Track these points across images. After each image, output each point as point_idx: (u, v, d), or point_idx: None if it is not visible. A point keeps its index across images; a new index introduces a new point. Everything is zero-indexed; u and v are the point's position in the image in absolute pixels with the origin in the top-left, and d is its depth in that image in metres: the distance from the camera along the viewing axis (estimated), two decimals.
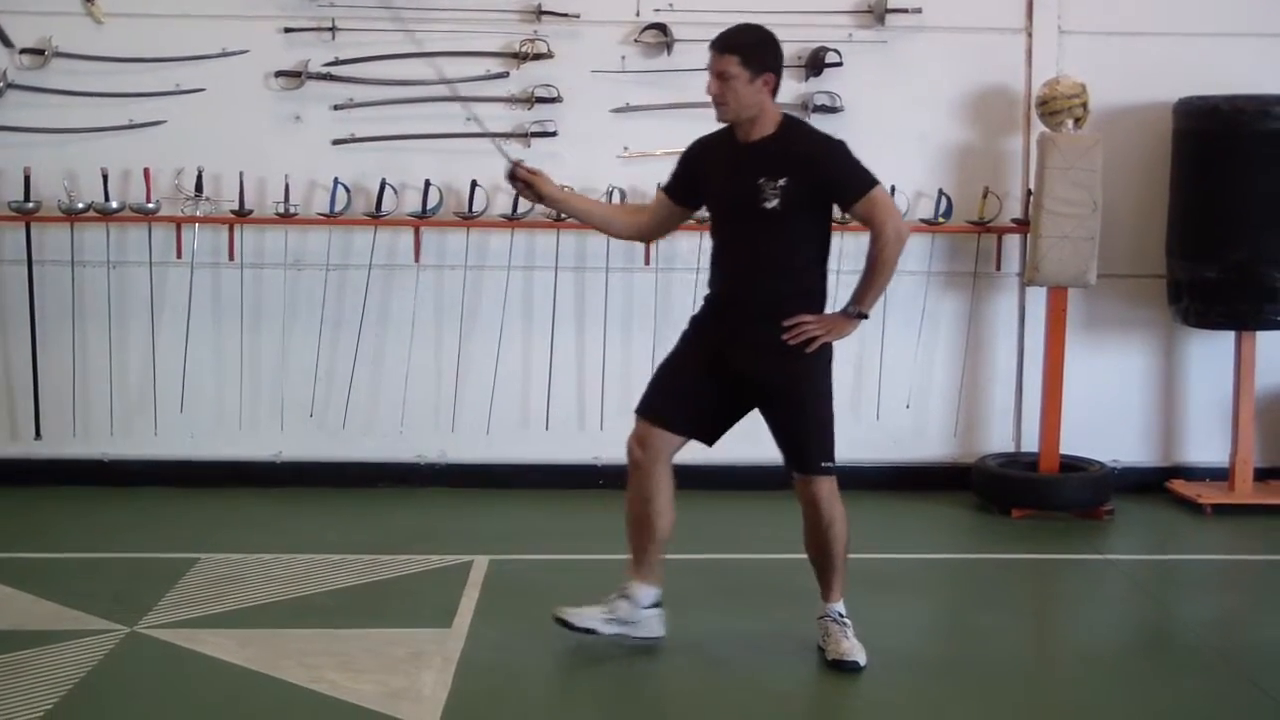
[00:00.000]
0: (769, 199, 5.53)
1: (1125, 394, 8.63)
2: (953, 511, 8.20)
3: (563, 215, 7.36)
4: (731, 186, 5.66)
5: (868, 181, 5.60)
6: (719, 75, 5.60)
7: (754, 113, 5.60)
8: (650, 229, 6.20)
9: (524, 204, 8.03)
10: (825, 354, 5.69)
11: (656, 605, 5.88)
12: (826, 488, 5.72)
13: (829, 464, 5.71)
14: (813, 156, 5.60)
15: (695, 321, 5.89)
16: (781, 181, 5.52)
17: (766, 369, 5.65)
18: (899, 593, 6.81)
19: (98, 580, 6.68)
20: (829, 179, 5.60)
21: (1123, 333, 8.58)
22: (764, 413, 5.79)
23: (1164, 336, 8.59)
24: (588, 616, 5.83)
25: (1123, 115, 8.37)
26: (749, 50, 5.59)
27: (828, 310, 5.75)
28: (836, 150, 5.67)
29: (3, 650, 5.74)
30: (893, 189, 8.15)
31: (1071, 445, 8.23)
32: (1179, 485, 8.45)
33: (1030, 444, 8.42)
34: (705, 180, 5.81)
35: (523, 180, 5.92)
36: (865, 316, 5.72)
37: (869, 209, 5.59)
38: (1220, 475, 8.41)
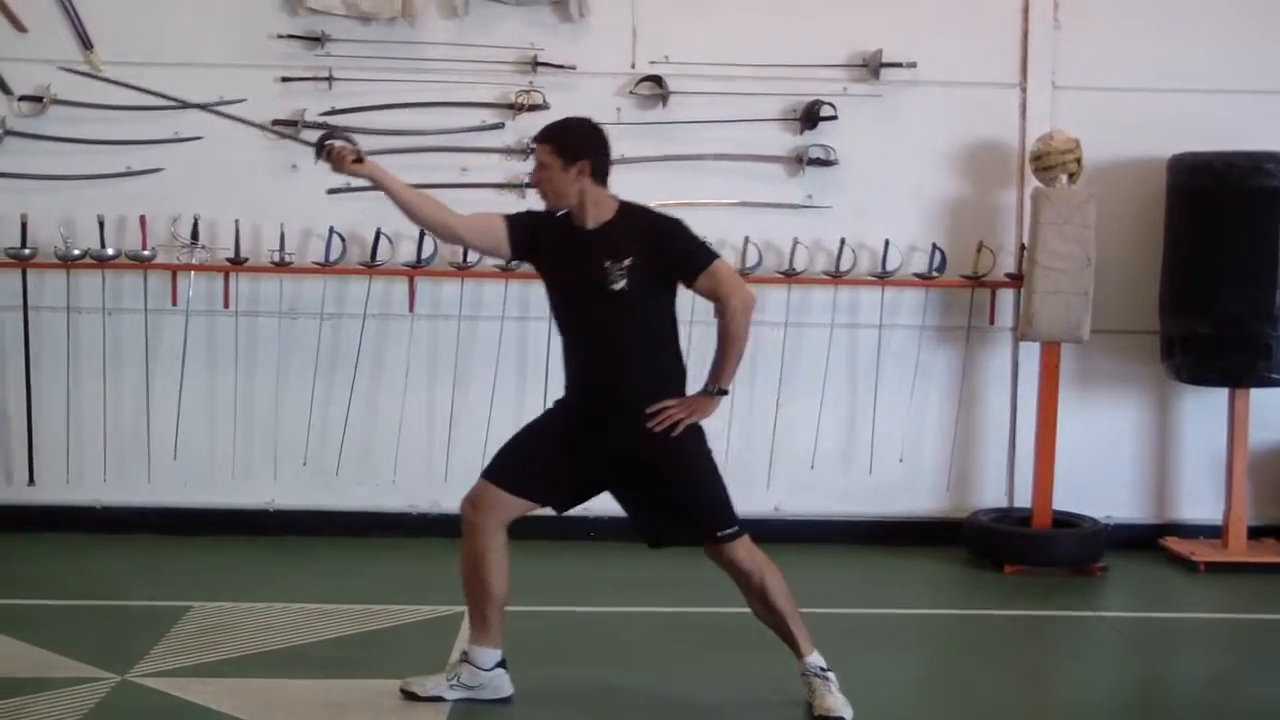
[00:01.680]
0: (616, 280, 5.58)
1: (1118, 450, 8.62)
2: (944, 566, 8.19)
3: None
4: (577, 272, 5.69)
5: (708, 257, 5.68)
6: (537, 165, 5.73)
7: (574, 199, 5.68)
8: (467, 238, 6.01)
9: None
10: (697, 432, 5.74)
11: (501, 665, 5.89)
12: (740, 549, 5.74)
13: (730, 529, 5.72)
14: (654, 235, 5.67)
15: (561, 406, 5.91)
16: (627, 261, 5.59)
17: (639, 453, 5.67)
18: (889, 648, 6.79)
19: (90, 628, 6.68)
20: (671, 256, 5.66)
21: (1116, 388, 8.59)
22: (636, 493, 5.80)
23: (1157, 392, 8.59)
24: (431, 686, 5.86)
25: (1117, 170, 8.40)
26: (560, 139, 5.70)
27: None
28: (676, 228, 5.74)
29: None
30: (887, 242, 8.24)
31: (1064, 501, 8.22)
32: (1172, 542, 8.43)
33: (1023, 499, 8.41)
34: (547, 258, 5.83)
35: (335, 152, 5.71)
36: (725, 393, 5.75)
37: (712, 283, 5.65)
38: (1214, 532, 8.40)
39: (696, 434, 5.73)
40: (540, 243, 5.80)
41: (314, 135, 6.02)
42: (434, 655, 6.27)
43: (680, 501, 5.73)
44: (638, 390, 5.65)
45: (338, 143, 5.78)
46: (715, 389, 5.71)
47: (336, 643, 6.59)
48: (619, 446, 5.68)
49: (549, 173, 5.67)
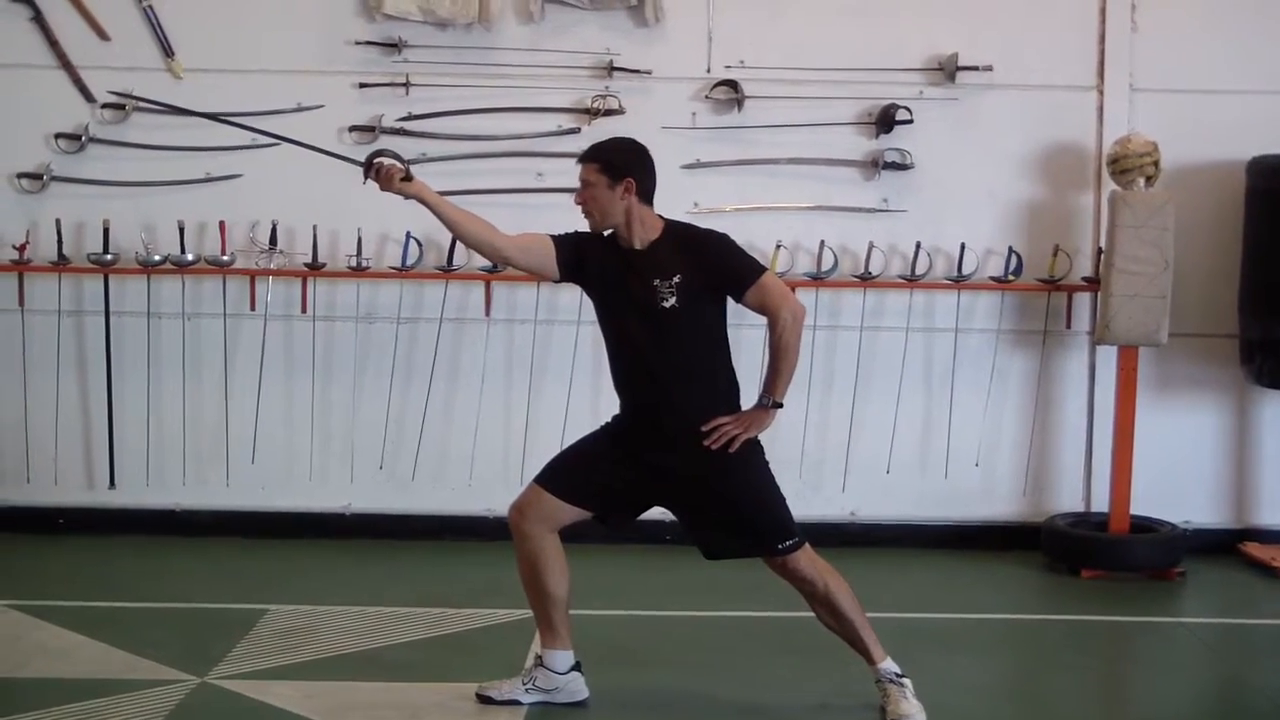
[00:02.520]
0: (665, 298, 5.60)
1: (1197, 454, 8.56)
2: (1021, 571, 8.15)
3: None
4: (626, 292, 5.71)
5: (756, 270, 5.68)
6: (582, 184, 5.73)
7: (619, 219, 5.69)
8: (514, 258, 5.91)
9: None
10: (755, 447, 5.73)
11: (575, 668, 5.90)
12: (802, 560, 5.73)
13: (790, 540, 5.71)
14: (701, 251, 5.67)
15: (617, 424, 5.92)
16: (675, 279, 5.60)
17: (696, 471, 5.66)
18: (965, 653, 6.77)
19: (169, 630, 6.75)
20: (719, 271, 5.66)
21: (1194, 392, 8.52)
22: (693, 508, 5.79)
23: (1236, 396, 8.52)
24: (508, 689, 5.89)
25: (1195, 173, 8.34)
26: (606, 158, 5.72)
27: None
28: (723, 243, 5.75)
29: (76, 699, 5.80)
30: (963, 246, 8.21)
31: (1142, 506, 8.16)
32: (1252, 548, 8.37)
33: (1100, 504, 8.36)
34: (595, 279, 5.83)
35: (384, 171, 5.81)
36: (780, 406, 5.72)
37: (760, 296, 5.64)
38: None
39: (754, 448, 5.73)
40: (588, 263, 5.80)
41: (361, 155, 6.03)
42: (510, 659, 6.31)
43: (740, 516, 5.73)
44: (691, 408, 5.65)
45: (386, 160, 5.84)
46: (770, 402, 5.69)
47: (412, 646, 6.63)
48: (676, 464, 5.68)
49: (594, 191, 5.69)
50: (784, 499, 5.78)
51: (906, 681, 5.76)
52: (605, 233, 5.79)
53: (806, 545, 5.75)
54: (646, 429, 5.75)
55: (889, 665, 5.78)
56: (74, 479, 8.50)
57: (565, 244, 5.81)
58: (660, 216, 5.76)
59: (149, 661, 6.27)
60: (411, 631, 6.81)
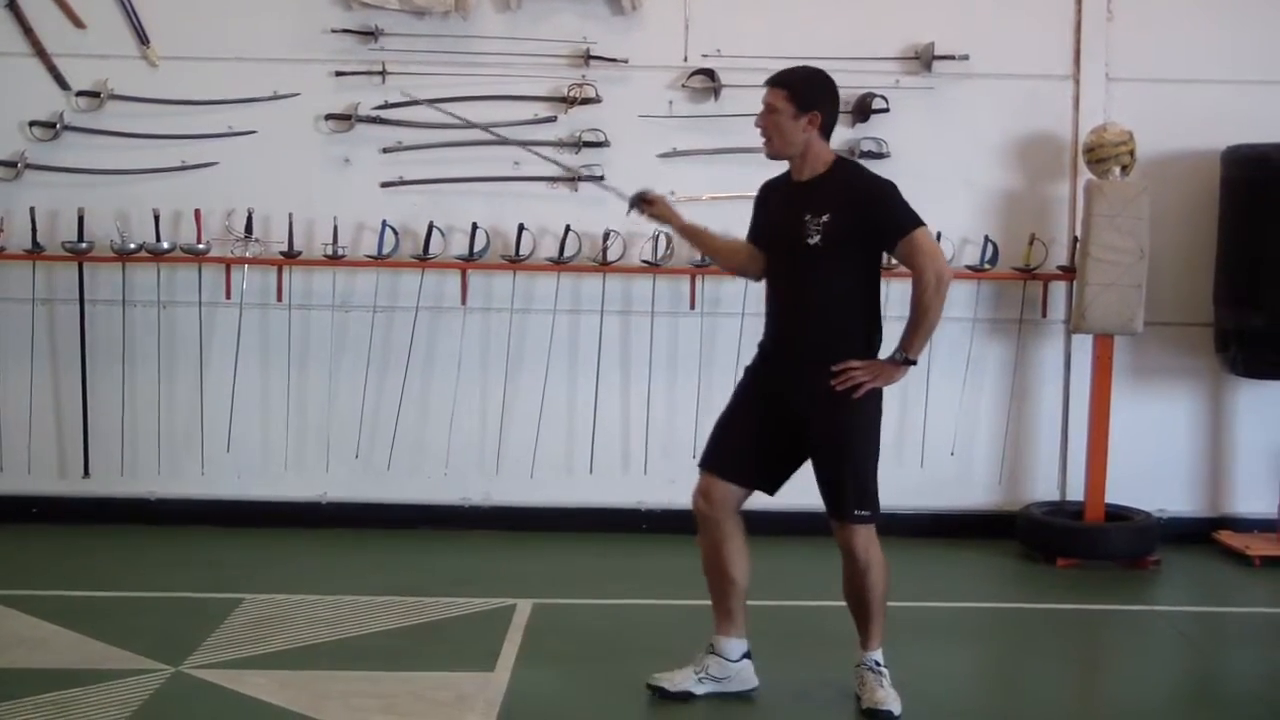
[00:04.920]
0: (811, 235, 5.56)
1: (1172, 443, 8.58)
2: (997, 560, 8.17)
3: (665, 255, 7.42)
4: (781, 223, 5.72)
5: (910, 223, 5.59)
6: (766, 108, 5.69)
7: (797, 149, 5.66)
8: (755, 272, 6.03)
9: (570, 248, 8.09)
10: (874, 402, 5.68)
11: (746, 656, 5.87)
12: (863, 535, 5.70)
13: (865, 512, 5.68)
14: (858, 194, 5.62)
15: (749, 370, 5.90)
16: (825, 218, 5.55)
17: (814, 412, 5.64)
18: (941, 641, 6.79)
19: (144, 619, 6.73)
20: (871, 217, 5.60)
21: (1169, 381, 8.55)
22: (813, 457, 5.77)
23: (1211, 385, 8.55)
24: (680, 680, 5.83)
25: (1170, 163, 8.35)
26: (796, 86, 5.66)
27: (882, 354, 5.73)
28: (883, 189, 5.67)
29: (50, 689, 5.77)
30: (939, 235, 8.15)
31: (1117, 494, 8.19)
32: (1226, 536, 8.39)
33: (1076, 493, 8.38)
34: (770, 214, 5.88)
35: (649, 201, 6.04)
36: (913, 363, 5.69)
37: (909, 251, 5.58)
38: (1269, 526, 8.35)
39: (874, 404, 5.68)
40: (766, 214, 5.86)
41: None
42: (487, 647, 6.31)
43: (833, 473, 5.68)
44: (824, 345, 5.61)
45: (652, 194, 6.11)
46: (903, 358, 5.65)
47: (388, 635, 6.63)
48: (798, 398, 5.65)
49: (777, 118, 5.65)
50: (876, 472, 5.75)
51: (885, 671, 5.78)
52: (778, 176, 5.81)
53: (873, 527, 5.72)
54: (780, 357, 5.73)
55: (876, 654, 5.80)
56: (48, 468, 8.47)
57: (754, 234, 5.95)
58: (833, 152, 5.74)
59: (124, 651, 6.24)
60: (387, 620, 6.79)
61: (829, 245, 5.56)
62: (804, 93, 5.64)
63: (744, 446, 5.77)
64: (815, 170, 5.68)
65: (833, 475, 5.70)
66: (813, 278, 5.62)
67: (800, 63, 5.84)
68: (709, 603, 5.85)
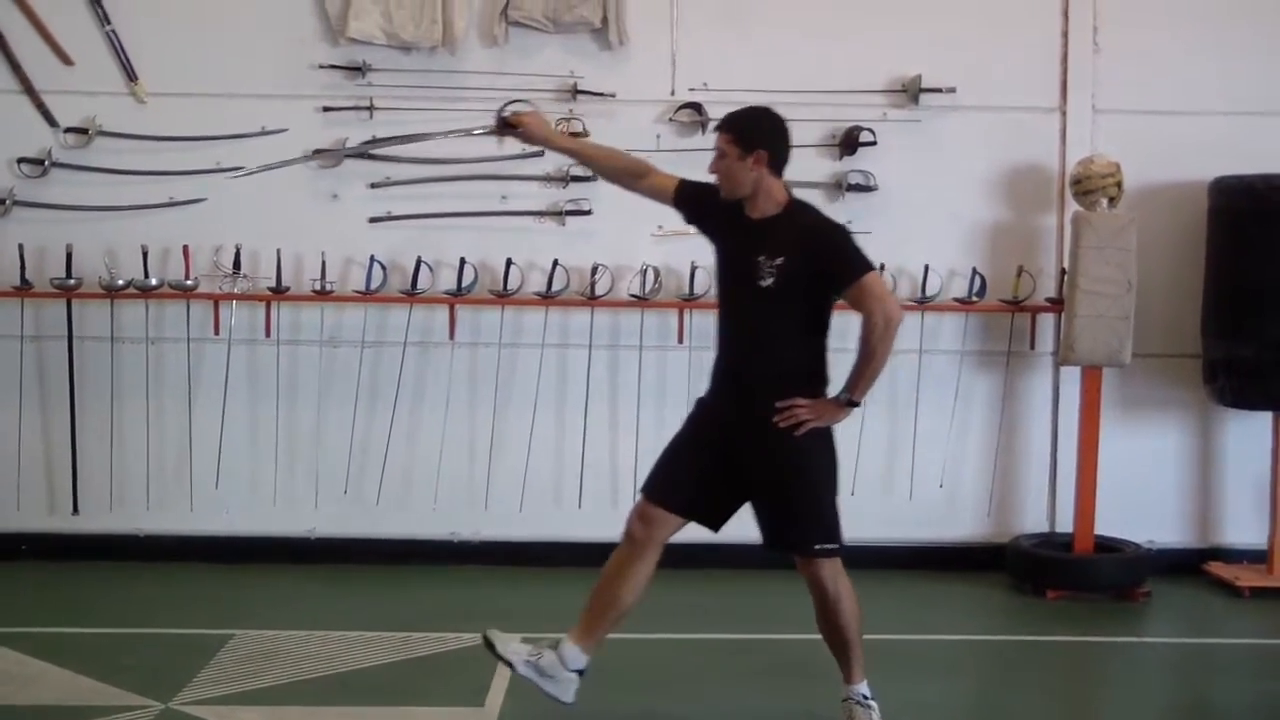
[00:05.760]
0: (765, 277, 5.59)
1: (1161, 474, 8.59)
2: (986, 592, 8.16)
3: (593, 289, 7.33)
4: (734, 260, 5.77)
5: (862, 268, 5.62)
6: (716, 153, 5.76)
7: (748, 189, 5.69)
8: (639, 189, 6.13)
9: (558, 282, 8.09)
10: (826, 438, 5.72)
11: (580, 673, 5.84)
12: (829, 568, 5.71)
13: (829, 545, 5.71)
14: (812, 237, 5.66)
15: (700, 403, 5.94)
16: (779, 260, 5.59)
17: (764, 448, 5.66)
18: (930, 674, 6.78)
19: (133, 656, 6.71)
20: (823, 262, 5.64)
21: (1158, 412, 8.56)
22: (756, 494, 5.78)
23: (1200, 416, 8.56)
24: (513, 650, 5.81)
25: (1157, 194, 8.38)
26: (740, 127, 5.73)
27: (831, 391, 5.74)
28: (836, 234, 5.73)
29: None
30: (926, 268, 8.23)
31: (1106, 526, 8.19)
32: (1216, 567, 8.40)
33: (1065, 524, 8.38)
34: (716, 236, 5.93)
35: (513, 124, 6.05)
36: (857, 404, 5.72)
37: (859, 295, 5.61)
38: (1258, 557, 8.37)
39: (823, 441, 5.71)
40: (709, 215, 5.90)
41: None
42: (476, 682, 6.30)
43: (789, 502, 5.70)
44: (771, 383, 5.63)
45: (524, 111, 6.20)
46: (846, 399, 5.67)
47: (378, 670, 6.61)
48: (744, 436, 5.67)
49: (727, 161, 5.69)
50: (836, 505, 5.76)
51: (874, 704, 5.77)
52: None
53: (838, 559, 5.73)
54: (727, 391, 5.76)
55: (862, 687, 5.79)
56: (37, 504, 8.46)
57: (689, 189, 5.99)
58: (787, 190, 5.76)
59: (113, 688, 6.23)
60: (377, 655, 6.78)
61: (781, 288, 5.60)
62: (748, 133, 5.69)
63: (688, 479, 5.80)
64: (769, 210, 5.72)
65: (788, 509, 5.72)
66: (764, 318, 5.66)
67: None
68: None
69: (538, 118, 6.18)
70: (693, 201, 5.96)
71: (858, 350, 5.67)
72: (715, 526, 5.90)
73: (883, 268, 6.25)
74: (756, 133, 5.71)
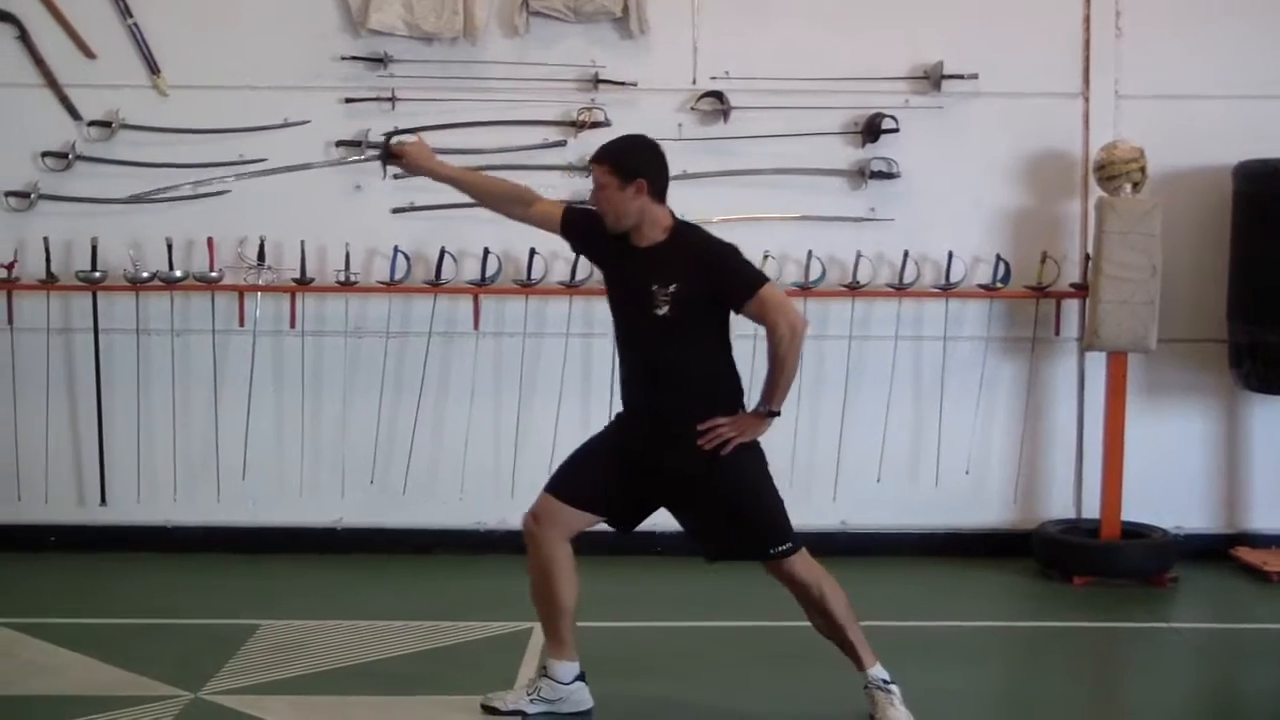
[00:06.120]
0: (659, 305, 5.59)
1: (1187, 459, 8.56)
2: (1013, 578, 8.15)
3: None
4: (626, 291, 5.76)
5: (756, 282, 5.63)
6: (595, 185, 5.72)
7: (633, 219, 5.67)
8: (525, 218, 6.07)
9: (582, 271, 8.09)
10: (753, 447, 5.72)
11: (580, 678, 5.90)
12: (798, 564, 5.73)
13: (784, 545, 5.70)
14: (701, 260, 5.64)
15: (618, 424, 5.95)
16: (672, 288, 5.58)
17: (692, 471, 5.66)
18: (957, 661, 6.77)
19: (162, 646, 6.73)
20: (717, 283, 5.62)
21: (1184, 398, 8.53)
22: (692, 509, 5.80)
23: (1226, 401, 8.54)
24: (513, 700, 5.89)
25: (1181, 179, 8.35)
26: (616, 158, 5.70)
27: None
28: (724, 254, 5.69)
29: (69, 716, 5.79)
30: (950, 254, 8.22)
31: (1133, 512, 8.17)
32: (1244, 552, 8.37)
33: (1091, 510, 8.36)
34: (602, 262, 5.98)
35: (396, 154, 6.02)
36: (777, 414, 5.70)
37: (759, 309, 5.60)
38: None
39: (752, 452, 5.72)
40: (596, 241, 5.86)
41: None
42: (503, 671, 6.32)
43: (735, 518, 5.72)
44: (687, 410, 5.64)
45: (407, 141, 6.06)
46: (766, 410, 5.68)
47: (405, 660, 6.63)
48: (672, 463, 5.68)
49: (607, 193, 5.66)
50: (781, 503, 5.77)
51: (894, 688, 5.76)
52: None
53: (803, 551, 5.75)
54: (644, 427, 5.76)
55: (878, 671, 5.79)
56: (65, 496, 8.49)
57: (575, 216, 5.94)
58: (671, 215, 5.74)
59: (141, 678, 6.25)
60: (404, 645, 6.80)
61: (678, 314, 5.59)
62: (625, 163, 5.67)
63: (600, 480, 5.81)
64: (655, 237, 5.70)
65: (738, 526, 5.73)
66: (665, 347, 5.66)
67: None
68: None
69: (420, 147, 6.10)
70: (580, 229, 5.92)
71: (769, 362, 5.67)
72: (627, 530, 5.97)
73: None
74: (634, 162, 5.68)
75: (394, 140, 6.08)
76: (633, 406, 5.85)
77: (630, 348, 5.82)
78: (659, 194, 5.69)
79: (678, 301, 5.57)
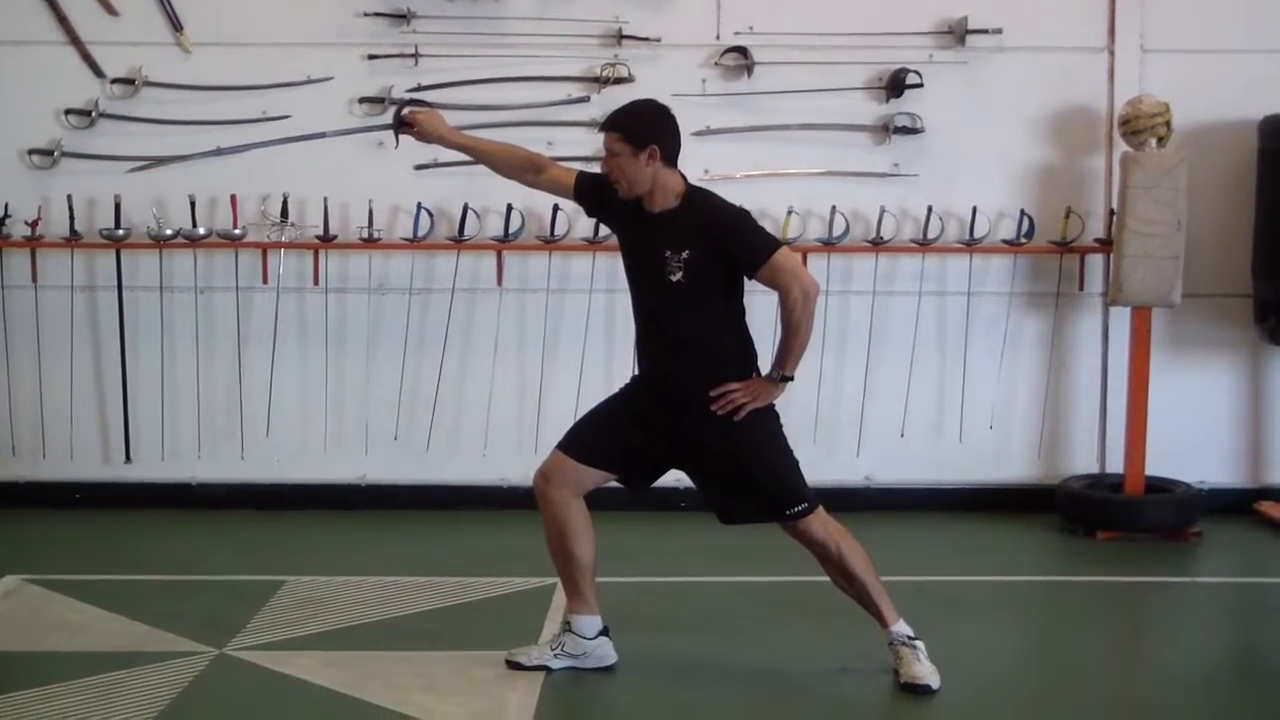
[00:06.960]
0: (673, 272, 5.58)
1: (1211, 414, 8.55)
2: (1037, 533, 8.15)
3: None
4: (639, 258, 5.75)
5: (769, 248, 5.60)
6: (607, 153, 5.68)
7: (646, 186, 5.65)
8: (538, 184, 6.06)
9: (605, 228, 8.06)
10: (767, 410, 5.72)
11: (604, 633, 5.92)
12: (815, 523, 5.74)
13: (800, 506, 5.71)
14: (713, 227, 5.62)
15: (631, 390, 5.95)
16: (685, 254, 5.57)
17: (705, 436, 5.67)
18: (981, 615, 6.77)
19: (187, 602, 6.76)
20: (730, 249, 5.61)
21: (1208, 352, 8.51)
22: (706, 473, 5.81)
23: (1250, 356, 8.52)
24: (537, 655, 5.91)
25: (1207, 133, 8.31)
26: (627, 125, 5.66)
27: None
28: (736, 220, 5.68)
29: (95, 671, 5.82)
30: (974, 209, 8.20)
31: (1157, 466, 8.16)
32: (1268, 506, 8.36)
33: (1115, 465, 8.36)
34: (617, 227, 5.96)
35: (409, 122, 6.00)
36: (790, 379, 5.69)
37: (772, 274, 5.59)
38: None
39: (765, 415, 5.72)
40: (610, 209, 5.85)
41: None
42: (527, 626, 6.34)
43: (750, 481, 5.73)
44: (700, 376, 5.64)
45: (419, 112, 6.04)
46: (779, 375, 5.67)
47: (430, 615, 6.66)
48: (687, 429, 5.69)
49: (619, 160, 5.64)
50: (796, 464, 5.78)
51: (919, 644, 5.77)
52: None
53: (820, 509, 5.75)
54: (658, 392, 5.76)
55: (902, 628, 5.80)
56: (90, 454, 8.53)
57: (588, 181, 5.89)
58: (683, 180, 5.72)
59: (167, 634, 6.29)
60: (429, 601, 6.82)
61: (692, 280, 5.58)
62: (636, 130, 5.63)
63: (613, 439, 5.82)
64: (667, 203, 5.67)
65: (752, 489, 5.74)
66: (680, 313, 5.65)
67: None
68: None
69: (433, 115, 6.08)
70: (592, 195, 5.89)
71: (781, 327, 5.67)
72: (634, 484, 5.96)
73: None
74: (645, 128, 5.65)
75: (405, 110, 6.05)
76: (647, 370, 5.86)
77: (644, 313, 5.81)
78: (671, 159, 5.68)
79: (691, 268, 5.57)
